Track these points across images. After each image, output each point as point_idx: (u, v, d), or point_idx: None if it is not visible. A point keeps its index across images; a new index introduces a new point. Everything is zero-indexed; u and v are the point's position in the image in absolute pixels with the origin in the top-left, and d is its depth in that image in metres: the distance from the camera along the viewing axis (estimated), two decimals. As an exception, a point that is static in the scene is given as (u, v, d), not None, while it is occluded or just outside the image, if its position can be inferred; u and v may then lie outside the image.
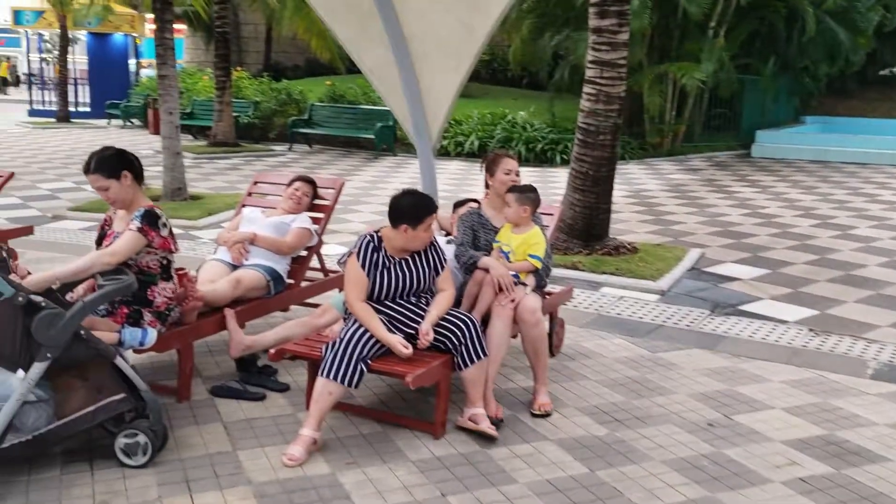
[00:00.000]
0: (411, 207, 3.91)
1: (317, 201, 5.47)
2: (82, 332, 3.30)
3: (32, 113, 25.48)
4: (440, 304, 3.97)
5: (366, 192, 12.03)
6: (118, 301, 3.85)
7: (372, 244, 3.95)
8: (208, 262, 4.96)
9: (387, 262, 3.94)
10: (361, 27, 5.06)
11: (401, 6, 4.76)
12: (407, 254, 3.99)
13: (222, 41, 15.96)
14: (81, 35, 28.73)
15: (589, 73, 7.42)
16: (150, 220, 3.87)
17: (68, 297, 3.70)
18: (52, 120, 23.49)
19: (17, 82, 54.15)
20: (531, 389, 4.41)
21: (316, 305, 5.53)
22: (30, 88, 27.28)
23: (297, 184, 5.35)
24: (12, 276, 3.32)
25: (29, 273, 3.47)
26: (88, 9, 18.54)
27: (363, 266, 3.90)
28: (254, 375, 4.52)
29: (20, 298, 3.13)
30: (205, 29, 27.93)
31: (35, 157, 15.28)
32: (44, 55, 31.43)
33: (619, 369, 4.99)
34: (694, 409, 4.40)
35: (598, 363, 5.09)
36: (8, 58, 48.07)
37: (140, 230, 3.80)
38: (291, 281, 5.11)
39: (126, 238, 3.76)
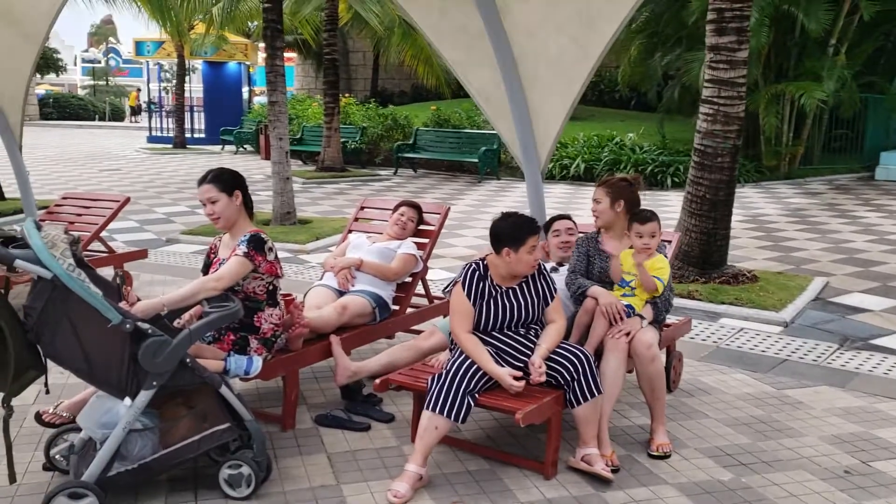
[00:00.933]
0: (511, 229, 3.73)
1: (422, 227, 5.37)
2: (188, 360, 3.26)
3: (151, 139, 26.69)
4: (551, 337, 3.76)
5: (469, 216, 11.93)
6: (225, 327, 3.81)
7: (477, 272, 3.78)
8: (314, 287, 4.91)
9: (493, 292, 3.77)
10: (469, 49, 4.94)
11: (511, 26, 4.62)
12: (514, 282, 3.80)
13: (331, 68, 16.25)
14: (198, 64, 29.97)
15: (706, 92, 7.09)
16: (257, 245, 3.82)
17: (176, 323, 3.68)
18: (170, 146, 24.53)
19: (139, 110, 57.08)
20: (647, 428, 4.15)
21: (421, 332, 5.43)
22: (150, 116, 28.58)
23: (403, 209, 5.27)
24: (122, 304, 3.31)
25: (138, 299, 3.46)
26: (204, 38, 19.23)
27: (468, 295, 3.74)
28: (359, 404, 4.42)
29: (127, 325, 3.11)
30: (315, 56, 28.64)
31: (152, 182, 15.89)
32: (163, 84, 32.93)
33: (742, 407, 4.65)
34: (827, 453, 4.03)
35: (719, 400, 4.77)
36: (139, 88, 50.68)
37: (246, 255, 3.76)
38: (397, 307, 5.01)
39: (232, 263, 3.72)
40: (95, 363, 3.16)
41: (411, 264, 5.04)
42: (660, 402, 4.05)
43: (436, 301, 5.44)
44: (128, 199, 7.13)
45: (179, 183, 15.80)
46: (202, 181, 3.91)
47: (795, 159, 16.65)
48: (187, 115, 25.79)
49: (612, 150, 15.95)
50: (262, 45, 28.33)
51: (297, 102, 23.50)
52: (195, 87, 33.04)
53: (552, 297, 3.84)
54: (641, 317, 4.08)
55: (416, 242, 5.19)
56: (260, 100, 33.55)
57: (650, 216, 4.12)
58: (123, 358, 3.17)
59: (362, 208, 5.77)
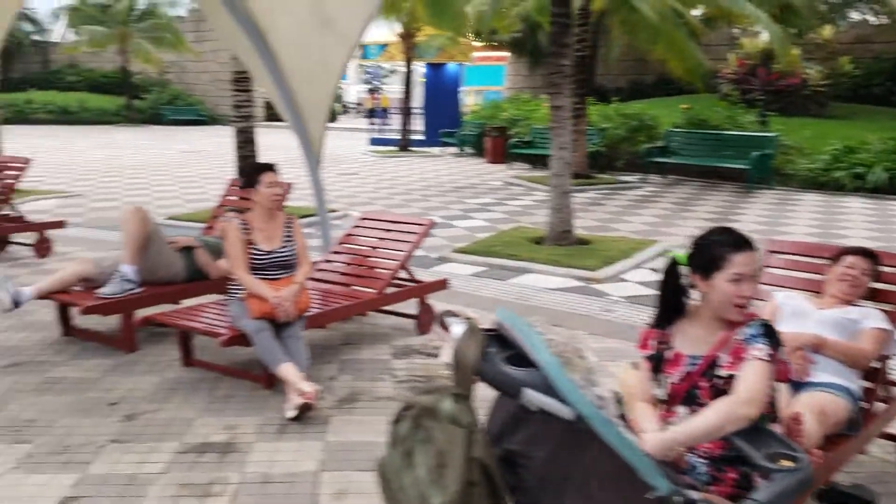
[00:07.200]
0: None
1: (876, 284, 3.90)
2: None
3: (374, 142, 26.60)
4: None
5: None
6: (719, 458, 2.56)
7: None
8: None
9: None
10: None
11: None
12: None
13: (582, 65, 14.87)
14: (418, 66, 29.68)
15: None
16: (775, 341, 2.54)
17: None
18: (394, 148, 24.23)
19: (344, 111, 58.49)
20: None
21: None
22: (371, 119, 28.48)
23: (852, 259, 3.83)
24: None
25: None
26: (437, 41, 18.30)
27: None
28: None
29: (677, 498, 1.90)
30: (529, 55, 27.50)
31: (394, 188, 15.07)
32: (373, 86, 32.93)
33: None
34: None
35: None
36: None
37: (771, 358, 2.49)
38: (865, 405, 3.58)
39: (757, 375, 2.42)
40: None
41: (887, 344, 3.60)
42: None
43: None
44: (432, 223, 6.15)
45: (421, 189, 15.00)
46: (747, 244, 2.66)
47: None
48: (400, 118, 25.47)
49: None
50: (477, 43, 27.56)
51: (522, 103, 22.44)
52: (398, 89, 32.92)
53: None
54: None
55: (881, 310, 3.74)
56: (469, 99, 32.92)
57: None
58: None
59: (771, 252, 4.34)
